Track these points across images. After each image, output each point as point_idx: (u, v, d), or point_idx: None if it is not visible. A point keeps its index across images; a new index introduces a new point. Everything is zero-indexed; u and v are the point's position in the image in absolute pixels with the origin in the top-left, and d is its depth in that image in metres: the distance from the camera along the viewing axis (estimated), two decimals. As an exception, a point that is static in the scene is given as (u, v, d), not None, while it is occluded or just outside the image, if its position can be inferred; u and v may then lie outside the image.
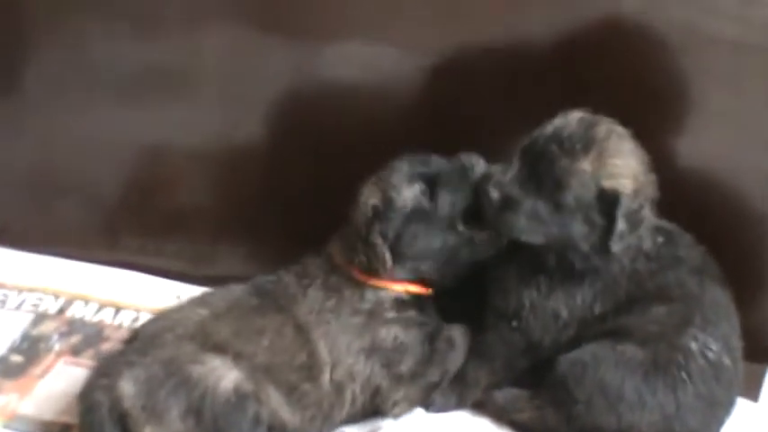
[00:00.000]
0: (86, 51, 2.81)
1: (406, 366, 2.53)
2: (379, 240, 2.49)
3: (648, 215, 2.48)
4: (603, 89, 2.56)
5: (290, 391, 2.45)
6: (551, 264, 2.49)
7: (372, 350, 2.51)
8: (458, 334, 2.58)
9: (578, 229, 2.44)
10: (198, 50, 2.77)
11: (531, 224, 2.45)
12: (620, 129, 2.45)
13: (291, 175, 2.80)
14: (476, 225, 2.53)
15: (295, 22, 2.72)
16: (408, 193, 2.53)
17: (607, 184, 2.41)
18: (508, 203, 2.45)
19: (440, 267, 2.55)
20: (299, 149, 2.79)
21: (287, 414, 2.45)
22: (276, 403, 2.43)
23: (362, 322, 2.50)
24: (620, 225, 2.40)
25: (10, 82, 2.87)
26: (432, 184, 2.53)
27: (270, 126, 2.80)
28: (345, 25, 2.70)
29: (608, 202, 2.41)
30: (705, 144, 2.62)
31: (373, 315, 2.51)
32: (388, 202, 2.51)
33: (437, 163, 2.55)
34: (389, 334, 2.52)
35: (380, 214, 2.51)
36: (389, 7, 2.66)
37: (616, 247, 2.42)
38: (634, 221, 2.42)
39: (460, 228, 2.53)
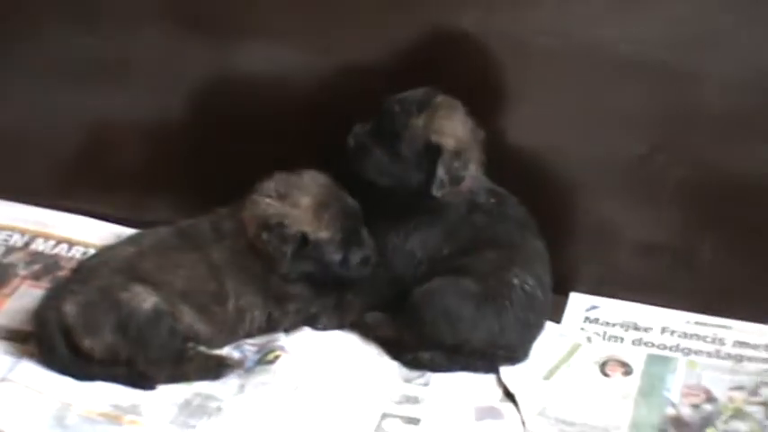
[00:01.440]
0: (47, 45, 2.77)
1: (293, 306, 2.51)
2: (287, 256, 2.43)
3: (481, 178, 2.49)
4: (453, 86, 2.50)
5: (202, 311, 2.45)
6: (399, 205, 2.48)
7: (267, 292, 2.48)
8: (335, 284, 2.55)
9: (412, 174, 2.45)
10: (134, 45, 2.73)
11: (377, 168, 2.47)
12: (455, 101, 2.46)
13: (207, 145, 2.77)
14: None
15: (211, 22, 2.68)
16: (331, 253, 2.46)
17: (434, 138, 2.43)
18: (361, 150, 2.46)
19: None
20: (214, 125, 2.75)
21: (199, 326, 2.44)
22: (190, 319, 2.43)
23: (261, 274, 2.46)
24: (440, 173, 2.43)
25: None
26: (347, 241, 2.47)
27: (191, 106, 2.76)
28: (251, 26, 2.65)
29: (432, 153, 2.41)
30: (528, 127, 2.61)
31: (270, 271, 2.46)
32: (315, 242, 2.43)
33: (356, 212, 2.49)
34: (282, 286, 2.49)
35: (303, 245, 2.43)
36: (286, 12, 2.62)
37: (437, 192, 2.44)
38: (454, 175, 2.44)
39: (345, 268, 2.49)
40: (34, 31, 2.76)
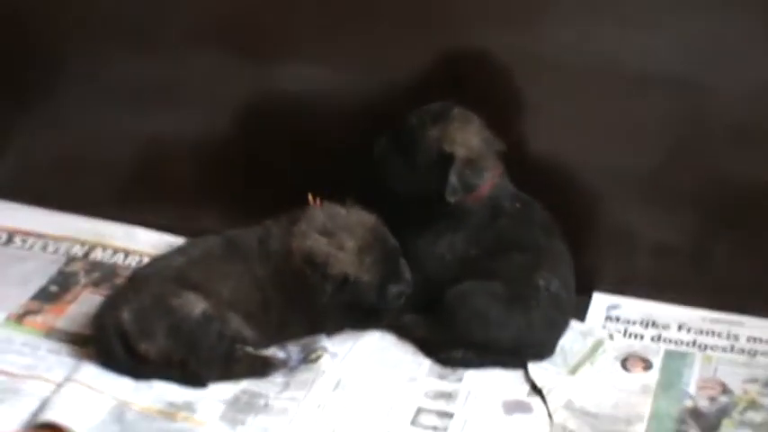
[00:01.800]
0: (104, 68, 2.79)
1: (334, 322, 2.52)
2: (327, 292, 2.41)
3: (505, 184, 2.51)
4: (478, 100, 2.51)
5: (248, 318, 2.45)
6: (421, 212, 2.48)
7: (308, 312, 2.48)
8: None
9: (428, 182, 2.45)
10: (185, 68, 2.74)
11: (396, 177, 2.47)
12: (471, 114, 2.46)
13: (251, 159, 2.77)
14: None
15: (255, 46, 2.68)
16: (371, 295, 2.44)
17: (446, 147, 2.42)
18: (382, 160, 2.46)
19: None
20: (258, 141, 2.76)
21: (246, 332, 2.45)
22: (237, 325, 2.43)
23: (303, 297, 2.45)
24: (452, 180, 2.42)
25: (50, 91, 2.84)
26: (385, 281, 2.44)
27: (237, 124, 2.76)
28: (291, 49, 2.66)
29: (445, 161, 2.41)
30: (550, 137, 2.60)
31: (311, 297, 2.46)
32: (355, 286, 2.41)
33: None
34: (322, 311, 2.48)
35: (344, 284, 2.41)
36: (324, 36, 2.63)
37: (450, 197, 2.44)
38: (466, 183, 2.43)
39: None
40: (92, 55, 2.77)
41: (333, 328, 2.52)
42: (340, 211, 2.46)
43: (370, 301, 2.45)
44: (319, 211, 2.47)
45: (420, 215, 2.50)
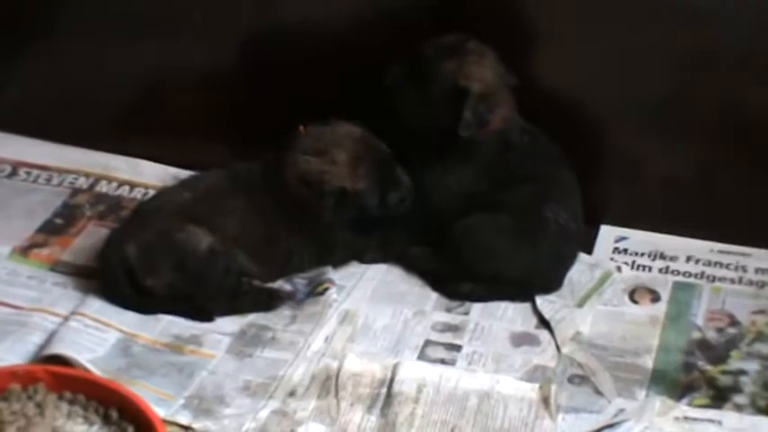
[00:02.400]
0: (105, 1, 2.76)
1: (341, 250, 2.52)
2: (328, 208, 2.42)
3: (514, 118, 2.48)
4: (485, 31, 2.48)
5: (253, 252, 2.45)
6: (432, 144, 2.45)
7: (315, 239, 2.48)
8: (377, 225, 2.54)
9: (441, 115, 2.42)
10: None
11: (409, 108, 2.46)
12: (486, 48, 2.43)
13: (256, 90, 2.74)
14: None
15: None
16: (369, 201, 2.44)
17: (462, 82, 2.40)
18: (394, 90, 2.45)
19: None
20: (262, 72, 2.72)
21: (251, 266, 2.45)
22: (242, 259, 2.43)
23: (309, 223, 2.46)
24: (466, 115, 2.40)
25: (50, 23, 2.81)
26: (383, 187, 2.45)
27: (240, 55, 2.73)
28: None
29: (460, 96, 2.39)
30: (559, 69, 2.57)
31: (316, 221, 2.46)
32: (353, 194, 2.41)
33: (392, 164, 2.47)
34: (327, 233, 2.48)
35: (342, 197, 2.41)
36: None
37: (463, 132, 2.42)
38: (480, 117, 2.41)
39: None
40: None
41: (341, 254, 2.51)
42: (326, 129, 2.46)
43: (373, 211, 2.45)
44: (306, 135, 2.46)
45: (429, 147, 2.48)
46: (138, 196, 2.73)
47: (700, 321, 2.41)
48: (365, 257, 2.55)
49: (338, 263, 2.53)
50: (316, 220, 2.44)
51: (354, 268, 2.54)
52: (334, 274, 2.50)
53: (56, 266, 2.53)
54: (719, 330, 2.39)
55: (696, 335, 2.38)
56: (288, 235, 2.45)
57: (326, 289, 2.46)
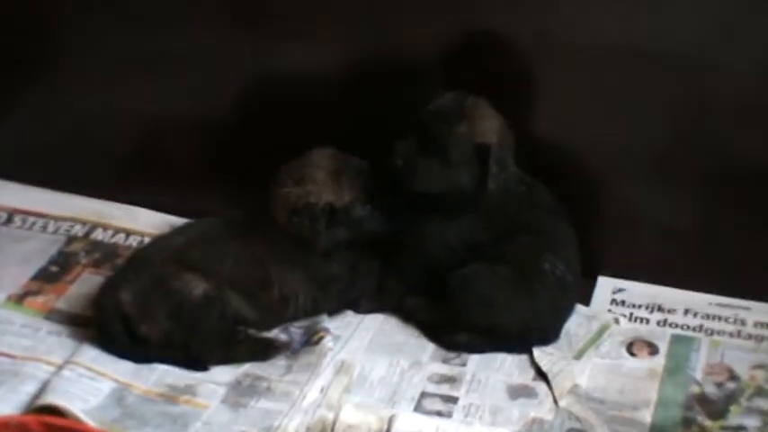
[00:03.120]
0: (105, 42, 2.76)
1: (335, 287, 2.50)
2: (321, 230, 2.41)
3: (513, 167, 2.47)
4: (484, 80, 2.49)
5: (248, 297, 2.44)
6: (446, 206, 2.45)
7: (309, 276, 2.47)
8: (374, 264, 2.53)
9: (464, 176, 2.42)
10: (186, 42, 2.71)
11: (429, 179, 2.42)
12: (482, 101, 2.44)
13: (253, 138, 2.74)
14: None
15: (258, 23, 2.65)
16: (359, 211, 2.43)
17: (479, 140, 2.38)
18: (409, 168, 2.42)
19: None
20: (260, 119, 2.73)
21: (246, 312, 2.44)
22: (237, 304, 2.43)
23: (302, 260, 2.46)
24: (493, 168, 2.40)
25: (49, 70, 2.82)
26: (369, 196, 2.44)
27: (239, 102, 2.74)
28: (295, 26, 2.63)
29: (482, 153, 2.39)
30: (557, 118, 2.58)
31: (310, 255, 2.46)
32: (342, 208, 2.41)
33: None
34: (323, 267, 2.47)
35: (332, 215, 2.41)
36: (327, 13, 2.60)
37: (492, 184, 2.42)
38: (501, 164, 2.43)
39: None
40: (92, 29, 2.74)
41: (336, 294, 2.50)
42: (299, 158, 2.45)
43: (365, 224, 2.43)
44: (283, 170, 2.45)
45: (429, 203, 2.47)
46: (134, 244, 2.72)
47: (698, 375, 2.39)
48: (361, 308, 2.54)
49: (333, 307, 2.52)
50: (310, 253, 2.43)
51: (350, 318, 2.53)
52: (329, 322, 2.49)
53: (50, 315, 2.52)
54: (718, 385, 2.37)
55: (695, 389, 2.36)
56: (282, 276, 2.44)
57: (322, 338, 2.44)
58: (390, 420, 2.25)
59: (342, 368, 2.39)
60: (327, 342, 2.43)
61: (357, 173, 2.44)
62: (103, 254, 2.71)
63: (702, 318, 2.53)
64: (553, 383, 2.35)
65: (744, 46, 2.43)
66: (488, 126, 2.42)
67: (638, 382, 2.37)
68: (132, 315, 2.36)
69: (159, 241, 2.51)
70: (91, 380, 2.31)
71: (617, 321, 2.53)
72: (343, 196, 2.41)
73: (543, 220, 2.48)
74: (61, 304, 2.55)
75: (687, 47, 2.45)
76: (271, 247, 2.44)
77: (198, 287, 2.37)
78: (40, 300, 2.56)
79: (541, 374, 2.38)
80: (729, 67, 2.44)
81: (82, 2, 2.73)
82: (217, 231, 2.47)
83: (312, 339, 2.45)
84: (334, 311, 2.52)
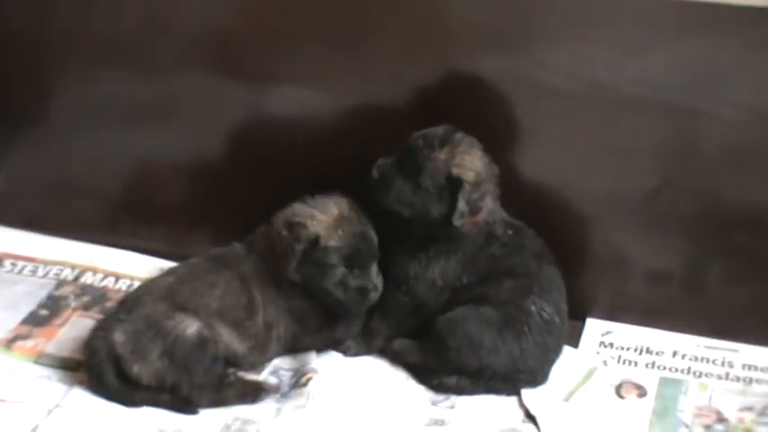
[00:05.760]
0: (95, 91, 2.77)
1: (312, 323, 2.51)
2: (297, 253, 2.42)
3: (501, 212, 2.47)
4: (472, 124, 2.49)
5: (237, 326, 2.45)
6: (419, 235, 2.46)
7: (286, 307, 2.48)
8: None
9: (433, 205, 2.43)
10: (177, 90, 2.73)
11: (399, 199, 2.45)
12: (473, 139, 2.45)
13: (243, 182, 2.76)
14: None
15: (247, 68, 2.68)
16: (335, 256, 2.43)
17: (455, 171, 2.41)
18: (384, 181, 2.44)
19: None
20: (249, 163, 2.75)
21: (236, 345, 2.45)
22: (227, 338, 2.43)
23: (284, 288, 2.47)
24: (461, 205, 2.40)
25: (39, 113, 2.83)
26: (351, 261, 2.45)
27: (228, 146, 2.75)
28: (284, 71, 2.66)
29: (453, 185, 2.40)
30: (543, 163, 2.60)
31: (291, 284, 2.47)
32: (323, 248, 2.42)
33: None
34: (296, 299, 2.49)
35: (312, 246, 2.43)
36: (315, 59, 2.62)
37: (457, 222, 2.42)
38: (473, 206, 2.43)
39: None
40: (82, 75, 2.76)
41: (315, 332, 2.50)
42: (318, 198, 2.48)
43: (331, 280, 2.43)
44: (294, 206, 2.48)
45: (413, 238, 2.48)
46: (124, 288, 2.72)
47: (687, 418, 2.39)
48: (348, 351, 2.54)
49: (316, 345, 2.52)
50: (282, 265, 2.43)
51: (339, 360, 2.52)
52: (317, 363, 2.49)
53: (40, 359, 2.51)
54: (707, 427, 2.37)
55: (683, 431, 2.37)
56: (265, 302, 2.46)
57: (309, 379, 2.44)
58: (380, 463, 2.26)
59: (330, 411, 2.38)
60: (316, 384, 2.42)
61: (361, 236, 2.44)
62: (93, 297, 2.71)
63: (690, 360, 2.54)
64: (542, 426, 2.35)
65: (727, 91, 2.45)
66: (468, 162, 2.43)
67: (627, 425, 2.37)
68: (125, 355, 2.35)
69: (149, 283, 2.51)
70: (81, 424, 2.30)
71: (605, 363, 2.53)
72: (331, 239, 2.42)
73: (529, 263, 2.49)
74: (51, 348, 2.54)
75: (673, 92, 2.47)
76: (257, 267, 2.46)
77: (191, 326, 2.37)
78: (29, 344, 2.55)
79: (530, 417, 2.38)
80: (713, 112, 2.47)
81: (71, 50, 2.75)
82: (205, 266, 2.49)
83: (301, 381, 2.45)
84: (320, 350, 2.52)
